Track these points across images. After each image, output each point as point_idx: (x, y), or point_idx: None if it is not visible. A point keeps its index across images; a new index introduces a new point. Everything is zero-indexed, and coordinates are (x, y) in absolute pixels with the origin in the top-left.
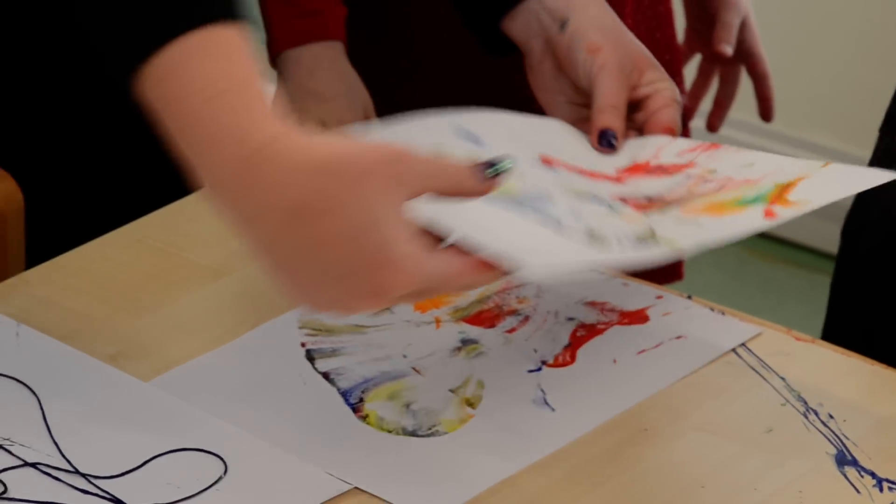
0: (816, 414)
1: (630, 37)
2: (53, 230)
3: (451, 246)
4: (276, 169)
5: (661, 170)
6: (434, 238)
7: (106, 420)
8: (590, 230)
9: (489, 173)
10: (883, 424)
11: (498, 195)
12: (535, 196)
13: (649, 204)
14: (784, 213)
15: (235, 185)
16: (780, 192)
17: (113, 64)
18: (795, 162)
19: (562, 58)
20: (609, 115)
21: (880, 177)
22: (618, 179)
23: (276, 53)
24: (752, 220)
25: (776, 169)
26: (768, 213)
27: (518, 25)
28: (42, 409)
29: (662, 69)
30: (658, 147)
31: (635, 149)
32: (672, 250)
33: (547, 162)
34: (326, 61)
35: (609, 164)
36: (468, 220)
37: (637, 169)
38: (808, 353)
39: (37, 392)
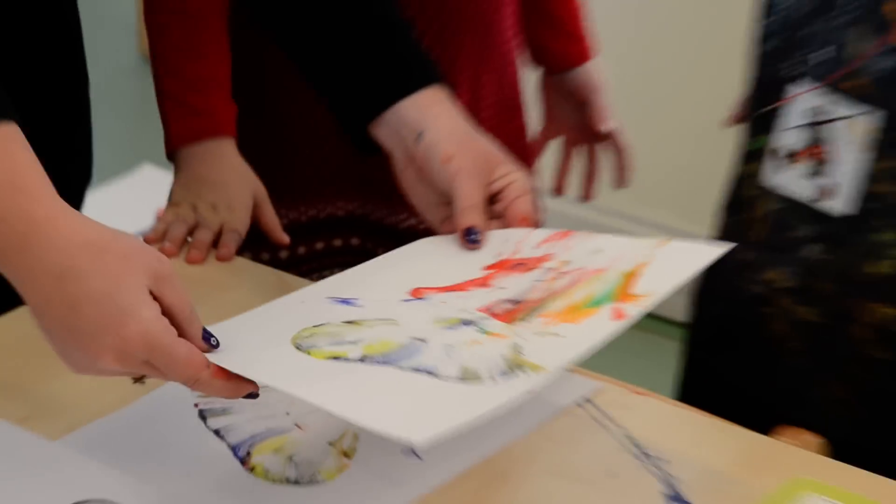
0: (651, 458)
1: (480, 139)
2: None
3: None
4: (51, 240)
5: (523, 265)
6: (176, 327)
7: (12, 477)
8: (463, 369)
9: (211, 341)
10: (711, 467)
11: (376, 355)
12: (409, 349)
13: (515, 310)
14: (632, 311)
15: (18, 255)
16: (626, 285)
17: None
18: (637, 244)
19: (420, 167)
20: (469, 214)
21: (714, 252)
22: (485, 282)
23: (172, 149)
24: (604, 326)
25: (620, 254)
26: (618, 315)
27: (382, 134)
28: None
29: (514, 163)
30: (517, 242)
31: (499, 244)
32: (539, 376)
33: (417, 294)
34: (218, 155)
35: (476, 263)
36: (352, 384)
37: (502, 265)
38: (645, 406)
39: None
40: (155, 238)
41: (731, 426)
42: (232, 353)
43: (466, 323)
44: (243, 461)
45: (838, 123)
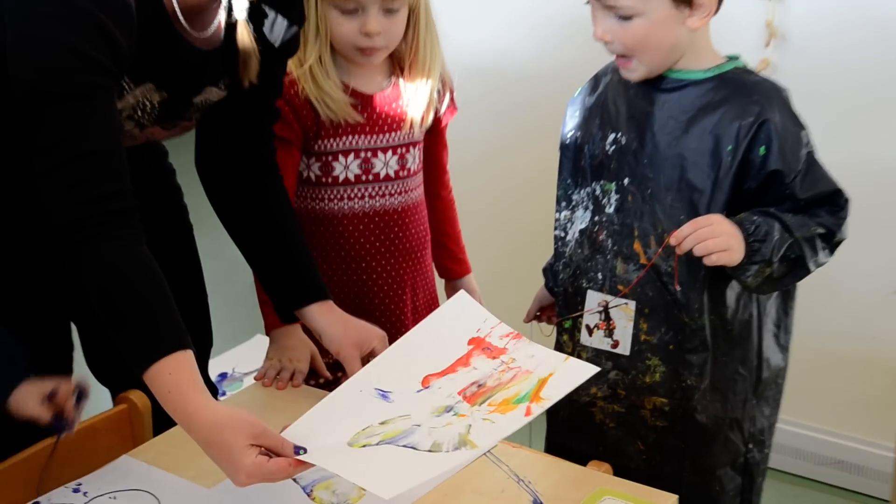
0: (524, 482)
1: (355, 324)
2: None
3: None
4: (197, 422)
5: (490, 350)
6: (270, 453)
7: None
8: (433, 443)
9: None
10: (556, 486)
11: (387, 439)
12: (406, 433)
13: (477, 392)
14: (535, 410)
15: (184, 425)
16: (538, 389)
17: (128, 357)
18: (552, 356)
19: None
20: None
21: (590, 372)
22: (466, 360)
23: (267, 331)
24: (518, 419)
25: (542, 361)
26: (528, 412)
27: (303, 322)
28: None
29: (378, 332)
30: (491, 327)
31: (479, 321)
32: (473, 451)
33: (426, 383)
34: (291, 333)
35: (463, 336)
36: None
37: (479, 343)
38: (522, 454)
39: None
40: (260, 377)
41: (567, 463)
42: (308, 449)
43: (448, 409)
44: (309, 494)
45: (617, 308)
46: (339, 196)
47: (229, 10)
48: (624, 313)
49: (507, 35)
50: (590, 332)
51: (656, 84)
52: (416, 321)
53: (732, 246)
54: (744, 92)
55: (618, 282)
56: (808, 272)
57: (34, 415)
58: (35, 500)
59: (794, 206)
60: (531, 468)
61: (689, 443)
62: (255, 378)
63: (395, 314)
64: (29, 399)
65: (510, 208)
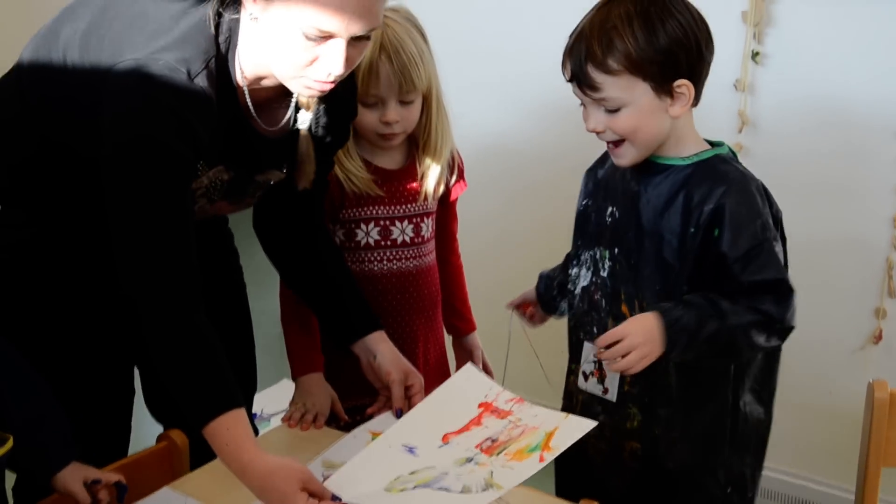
0: None
1: (402, 360)
2: None
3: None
4: (252, 473)
5: (498, 413)
6: (320, 496)
7: None
8: (464, 486)
9: (336, 499)
10: None
11: (421, 484)
12: (437, 479)
13: (492, 446)
14: (548, 457)
15: (240, 476)
16: (547, 440)
17: (188, 413)
18: (552, 414)
19: (375, 373)
20: (397, 403)
21: (589, 426)
22: (479, 420)
23: (294, 378)
24: (534, 465)
25: (545, 419)
26: (541, 459)
27: (356, 348)
28: None
29: (418, 373)
30: (497, 393)
31: (486, 388)
32: (499, 491)
33: (445, 440)
34: (315, 381)
35: (474, 401)
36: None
37: (487, 406)
38: (526, 493)
39: None
40: (286, 418)
41: (561, 501)
42: (349, 493)
43: (469, 460)
44: None
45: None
46: (360, 259)
47: (296, 107)
48: (610, 364)
49: (511, 118)
50: (585, 378)
51: (644, 167)
52: (427, 373)
53: (650, 351)
54: (713, 179)
55: None
56: (742, 356)
57: (76, 494)
58: None
59: (739, 288)
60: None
61: (658, 487)
62: (283, 420)
63: None
64: (75, 480)
65: (507, 258)
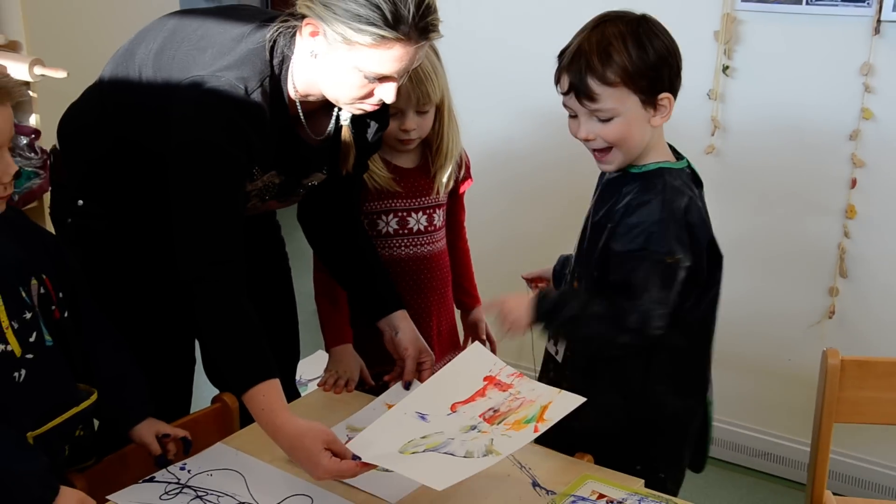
0: (524, 468)
1: (420, 339)
2: None
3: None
4: (283, 434)
5: (500, 386)
6: (342, 455)
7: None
8: (467, 451)
9: (356, 458)
10: (549, 472)
11: (430, 448)
12: (444, 444)
13: (494, 416)
14: (541, 428)
15: (273, 436)
16: (542, 413)
17: (231, 381)
18: (547, 389)
19: (395, 346)
20: (408, 376)
21: (579, 401)
22: (483, 391)
23: (328, 348)
24: (529, 434)
25: (542, 394)
26: (536, 430)
27: (381, 324)
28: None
29: (431, 352)
30: (501, 368)
31: (491, 363)
32: (498, 457)
33: (454, 409)
34: (346, 351)
35: (479, 374)
36: (414, 462)
37: (491, 380)
38: (529, 447)
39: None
40: (322, 384)
41: (559, 454)
42: (368, 454)
43: (473, 427)
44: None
45: None
46: (381, 245)
47: (337, 116)
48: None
49: (514, 125)
50: (548, 338)
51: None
52: (440, 342)
53: (518, 318)
54: (641, 186)
55: None
56: (601, 343)
57: (149, 445)
58: (151, 475)
59: (611, 283)
60: (531, 457)
61: (583, 448)
62: (318, 385)
63: (424, 337)
64: (149, 433)
65: (515, 254)
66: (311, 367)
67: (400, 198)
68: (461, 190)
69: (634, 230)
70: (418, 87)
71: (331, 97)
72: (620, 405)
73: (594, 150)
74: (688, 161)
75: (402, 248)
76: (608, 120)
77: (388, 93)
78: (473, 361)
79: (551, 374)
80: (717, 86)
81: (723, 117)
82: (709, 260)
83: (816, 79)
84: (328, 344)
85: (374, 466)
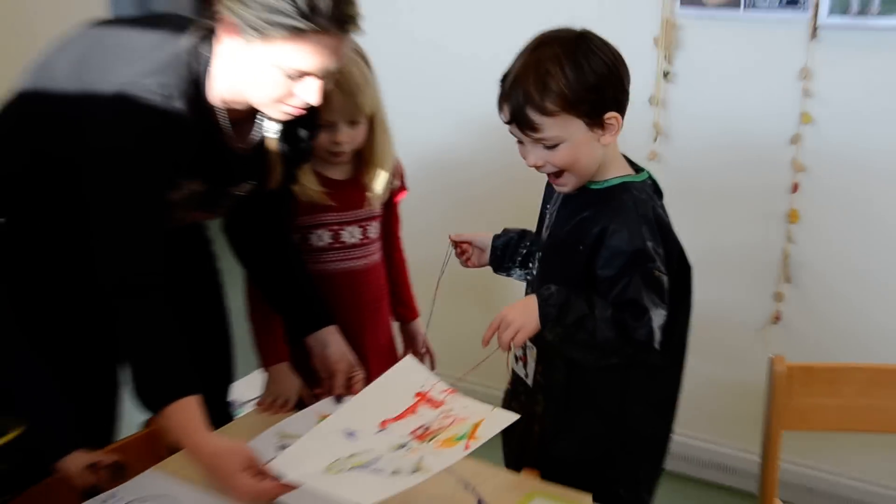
0: (470, 486)
1: (348, 353)
2: None
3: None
4: (201, 454)
5: (432, 403)
6: (262, 475)
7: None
8: (396, 469)
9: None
10: (498, 489)
11: (356, 466)
12: (370, 462)
13: (425, 433)
14: (472, 445)
15: (190, 455)
16: (473, 431)
17: (148, 398)
18: (480, 406)
19: (324, 361)
20: (338, 390)
21: (512, 418)
22: (414, 409)
23: (264, 368)
24: (459, 452)
25: (474, 411)
26: (466, 447)
27: (309, 341)
28: None
29: (361, 367)
30: (433, 384)
31: (423, 379)
32: (425, 474)
33: (384, 426)
34: (283, 370)
35: (410, 391)
36: (337, 483)
37: (423, 396)
38: (468, 462)
39: None
40: (260, 404)
41: (506, 471)
42: (291, 473)
43: (402, 446)
44: None
45: (530, 350)
46: (314, 260)
47: (263, 125)
48: (531, 355)
49: (453, 131)
50: (516, 361)
51: None
52: (377, 357)
53: (524, 323)
54: (607, 205)
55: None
56: (606, 353)
57: (74, 480)
58: None
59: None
60: (477, 475)
61: (554, 473)
62: (257, 405)
63: (360, 354)
64: (76, 464)
65: (455, 263)
66: (248, 387)
67: (332, 211)
68: (395, 200)
69: (620, 252)
70: (349, 99)
71: (253, 100)
72: (598, 429)
73: (549, 175)
74: (648, 173)
75: (336, 263)
76: (554, 146)
77: (310, 92)
78: (405, 376)
79: (522, 397)
80: (658, 92)
81: (665, 123)
82: (680, 271)
83: (756, 84)
84: (264, 363)
85: (295, 487)
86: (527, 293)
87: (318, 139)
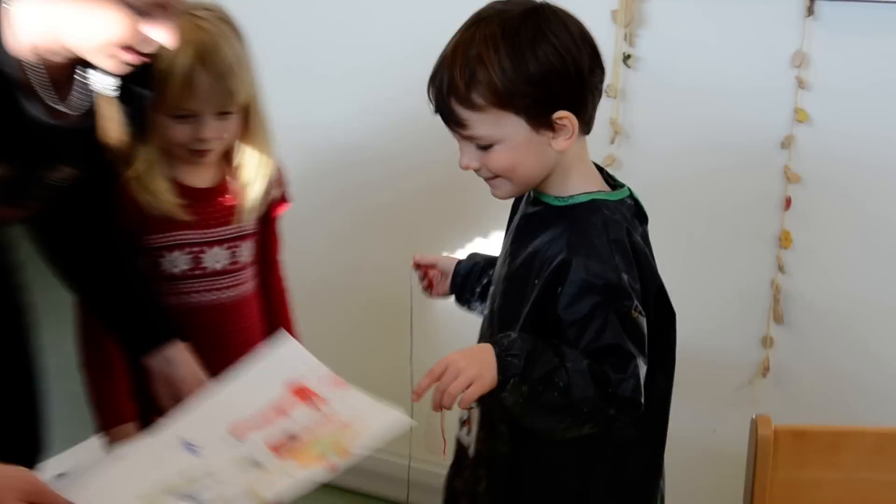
0: None
1: (202, 374)
2: None
3: None
4: None
5: (311, 400)
6: None
7: None
8: (218, 497)
9: None
10: None
11: (176, 490)
12: (199, 490)
13: (289, 444)
14: (341, 466)
15: None
16: (349, 442)
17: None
18: (371, 407)
19: (171, 386)
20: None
21: (407, 423)
22: (286, 408)
23: (104, 431)
24: (320, 474)
25: (360, 414)
26: (333, 468)
27: (149, 362)
28: None
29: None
30: (316, 374)
31: (303, 368)
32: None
33: (239, 433)
34: (128, 433)
35: (285, 383)
36: None
37: (300, 391)
38: None
39: None
40: None
41: None
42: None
43: (255, 464)
44: None
45: (474, 411)
46: (168, 291)
47: (89, 83)
48: (474, 418)
49: (350, 129)
50: (461, 425)
51: (528, 197)
52: None
53: (481, 373)
54: (571, 229)
55: None
56: (582, 416)
57: None
58: None
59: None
60: None
61: None
62: None
63: None
64: None
65: (352, 293)
66: (86, 457)
67: (191, 228)
68: (274, 214)
69: (588, 288)
70: (219, 84)
71: (76, 45)
72: None
73: (485, 179)
74: (630, 190)
75: (197, 294)
76: (488, 147)
77: (161, 32)
78: (276, 364)
79: (466, 472)
80: (616, 81)
81: (624, 120)
82: (660, 316)
83: (738, 72)
84: (104, 424)
85: None
86: (479, 340)
87: (175, 135)
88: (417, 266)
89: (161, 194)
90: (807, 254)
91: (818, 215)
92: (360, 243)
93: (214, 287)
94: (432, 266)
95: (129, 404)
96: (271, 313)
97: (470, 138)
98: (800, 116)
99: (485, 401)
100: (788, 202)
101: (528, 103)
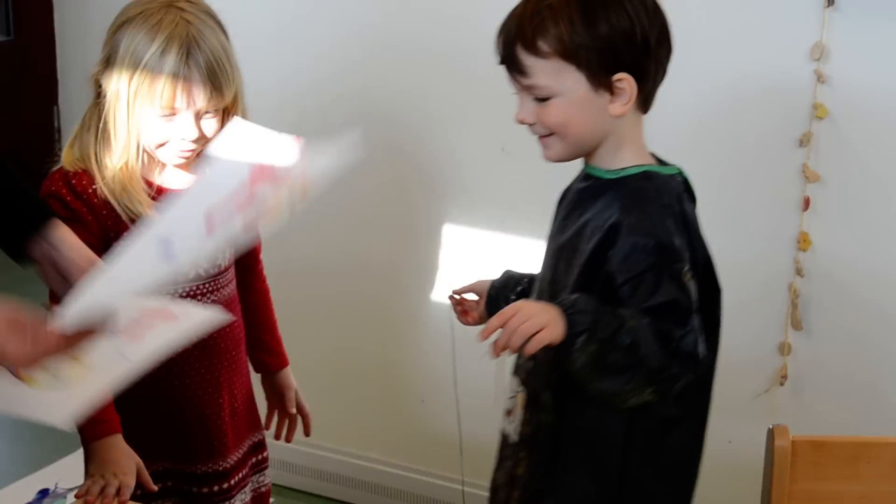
0: None
1: (91, 252)
2: None
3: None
4: None
5: (274, 178)
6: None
7: None
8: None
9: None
10: None
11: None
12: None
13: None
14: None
15: None
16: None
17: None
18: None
19: (62, 271)
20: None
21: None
22: (250, 190)
23: (86, 444)
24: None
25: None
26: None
27: (31, 249)
28: None
29: None
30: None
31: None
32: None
33: (209, 225)
34: (114, 444)
35: (245, 162)
36: None
37: (262, 171)
38: None
39: None
40: (82, 494)
41: None
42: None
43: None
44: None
45: (516, 397)
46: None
47: None
48: (519, 403)
49: (336, 121)
50: (506, 415)
51: (580, 175)
52: (235, 423)
53: (550, 321)
54: (622, 194)
55: (520, 371)
56: (643, 372)
57: None
58: None
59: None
60: None
61: None
62: (76, 496)
63: (212, 420)
64: None
65: (339, 295)
66: (72, 469)
67: None
68: None
69: (640, 248)
70: (210, 81)
71: None
72: (589, 490)
73: (538, 137)
74: (679, 169)
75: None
76: (545, 99)
77: None
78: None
79: (507, 462)
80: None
81: None
82: (706, 290)
83: (754, 66)
84: (86, 436)
85: (90, 333)
86: None
87: (158, 135)
88: (455, 301)
89: (136, 195)
90: (826, 257)
91: (838, 216)
92: (344, 236)
93: (194, 293)
94: (467, 291)
95: (113, 415)
96: (252, 316)
97: (530, 88)
98: (819, 112)
99: (529, 383)
100: (807, 202)
101: (592, 59)
